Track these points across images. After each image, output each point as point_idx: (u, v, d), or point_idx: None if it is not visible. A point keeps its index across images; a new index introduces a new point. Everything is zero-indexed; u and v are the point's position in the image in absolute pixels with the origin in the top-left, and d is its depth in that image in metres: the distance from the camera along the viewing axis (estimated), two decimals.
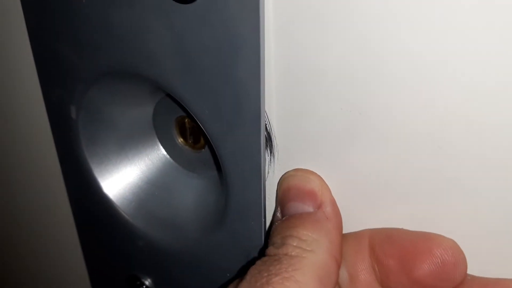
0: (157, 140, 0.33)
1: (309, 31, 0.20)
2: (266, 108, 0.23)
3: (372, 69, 0.19)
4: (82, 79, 0.28)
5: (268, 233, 0.24)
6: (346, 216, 0.22)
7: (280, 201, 0.23)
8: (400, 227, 0.22)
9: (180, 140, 0.32)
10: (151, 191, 0.32)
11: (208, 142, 0.31)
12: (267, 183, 0.25)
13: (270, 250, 0.21)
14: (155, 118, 0.32)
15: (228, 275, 0.29)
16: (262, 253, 0.25)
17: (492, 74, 0.17)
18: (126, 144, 0.32)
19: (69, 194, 0.35)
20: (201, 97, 0.24)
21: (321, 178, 0.22)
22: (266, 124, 0.23)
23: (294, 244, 0.20)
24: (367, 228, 0.22)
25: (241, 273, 0.24)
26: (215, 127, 0.24)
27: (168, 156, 0.33)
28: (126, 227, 0.32)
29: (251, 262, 0.21)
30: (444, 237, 0.20)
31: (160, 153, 0.33)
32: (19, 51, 0.31)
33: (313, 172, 0.23)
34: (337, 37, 0.19)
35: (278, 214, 0.23)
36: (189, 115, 0.30)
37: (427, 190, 0.20)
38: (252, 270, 0.20)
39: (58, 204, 0.38)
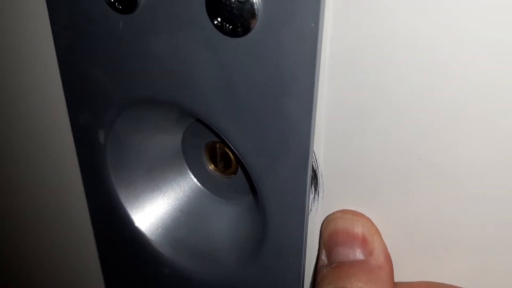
0: (186, 165, 0.32)
1: (366, 71, 0.19)
2: (314, 146, 0.22)
3: (433, 112, 0.18)
4: (114, 104, 0.27)
5: (313, 278, 0.23)
6: (396, 264, 0.21)
7: (327, 245, 0.22)
8: (455, 284, 0.21)
9: (211, 166, 0.31)
10: (180, 218, 0.31)
11: (241, 168, 0.30)
12: (309, 221, 0.24)
13: None
14: (184, 144, 0.31)
15: None
16: None
17: None
18: (154, 170, 0.31)
19: (92, 218, 0.34)
20: (245, 131, 0.23)
21: (371, 221, 0.21)
22: (313, 163, 0.22)
23: None
24: (418, 280, 0.21)
25: None
26: (258, 161, 0.23)
27: (198, 183, 0.32)
28: (152, 255, 0.31)
29: None
30: None
31: (189, 179, 0.32)
32: (47, 72, 0.30)
33: (362, 214, 0.22)
34: (394, 78, 0.18)
35: (324, 258, 0.22)
36: (222, 141, 0.29)
37: (490, 252, 0.19)
38: None
39: (81, 228, 0.37)
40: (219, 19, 0.20)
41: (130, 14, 0.23)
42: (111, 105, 0.27)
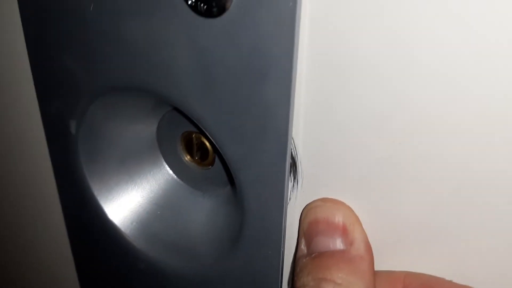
0: (162, 157, 0.31)
1: (347, 53, 0.18)
2: (293, 133, 0.21)
3: (415, 97, 0.18)
4: (86, 92, 0.26)
5: (292, 268, 0.23)
6: (377, 254, 0.21)
7: (306, 234, 0.21)
8: (436, 274, 0.20)
9: (187, 157, 0.30)
10: (155, 211, 0.30)
11: (219, 158, 0.29)
12: (288, 210, 0.23)
13: None
14: (159, 134, 0.30)
15: None
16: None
17: None
18: (128, 161, 0.30)
19: (64, 211, 0.33)
20: (222, 119, 0.22)
21: (351, 210, 0.21)
22: (292, 150, 0.21)
23: None
24: (398, 269, 0.21)
25: None
26: (236, 150, 0.22)
27: (173, 174, 0.31)
28: (127, 249, 0.30)
29: None
30: None
31: (164, 170, 0.31)
32: (15, 59, 0.29)
33: (343, 203, 0.21)
34: (377, 60, 0.18)
35: (303, 248, 0.21)
36: (200, 131, 0.28)
37: (473, 242, 0.19)
38: None
39: (53, 221, 0.36)
40: None
41: None
42: (82, 93, 0.26)
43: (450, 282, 0.20)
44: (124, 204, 0.30)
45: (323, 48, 0.19)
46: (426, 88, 0.17)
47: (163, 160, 0.31)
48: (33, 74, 0.28)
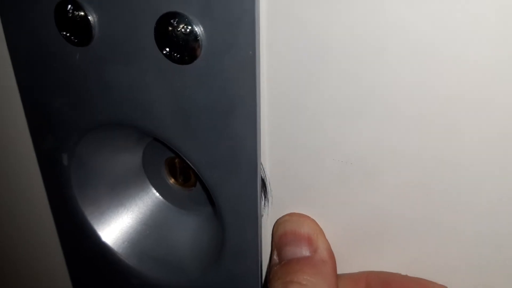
0: (148, 181, 0.34)
1: (301, 93, 0.21)
2: (262, 158, 0.24)
3: (357, 127, 0.21)
4: (76, 129, 0.29)
5: (266, 276, 0.26)
6: (339, 258, 0.24)
7: (277, 245, 0.24)
8: (394, 271, 0.23)
9: (171, 180, 0.33)
10: (144, 231, 0.33)
11: (199, 181, 0.32)
12: (262, 224, 0.26)
13: None
14: (144, 160, 0.33)
15: None
16: None
17: None
18: (117, 187, 0.33)
19: (61, 238, 0.36)
20: (198, 148, 0.25)
21: (315, 222, 0.24)
22: (261, 173, 0.24)
23: None
24: (360, 270, 0.24)
25: None
26: (212, 175, 0.25)
27: (159, 196, 0.34)
28: (120, 267, 0.33)
29: None
30: (438, 285, 0.22)
31: (151, 193, 0.34)
32: (9, 103, 0.32)
33: (308, 216, 0.24)
34: (328, 95, 0.21)
35: (275, 258, 0.24)
36: (179, 156, 0.31)
37: (420, 237, 0.22)
38: None
39: (49, 247, 0.38)
40: (167, 49, 0.22)
41: (86, 47, 0.25)
42: (73, 130, 0.29)
43: (406, 276, 0.23)
44: (115, 226, 0.33)
45: (280, 88, 0.22)
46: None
47: (149, 183, 0.34)
48: (25, 113, 0.31)
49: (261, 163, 0.24)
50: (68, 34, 0.25)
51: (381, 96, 0.20)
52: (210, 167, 0.25)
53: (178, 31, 0.22)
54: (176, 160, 0.32)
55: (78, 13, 0.24)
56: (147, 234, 0.33)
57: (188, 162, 0.26)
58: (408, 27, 0.18)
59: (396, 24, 0.18)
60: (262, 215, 0.26)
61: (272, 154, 0.24)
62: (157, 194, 0.34)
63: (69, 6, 0.24)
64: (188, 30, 0.21)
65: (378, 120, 0.20)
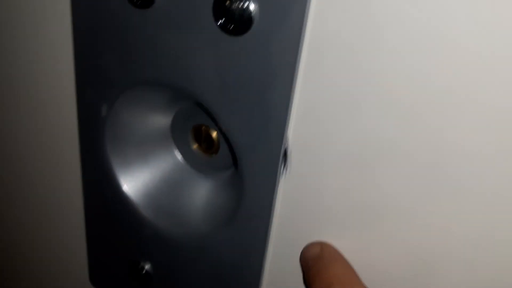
0: (173, 143, 0.37)
1: (336, 79, 0.24)
2: (288, 132, 0.27)
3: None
4: (119, 83, 0.32)
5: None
6: None
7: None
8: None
9: (195, 145, 0.36)
10: (163, 187, 0.36)
11: (222, 149, 0.35)
12: (278, 189, 0.29)
13: None
14: (173, 124, 0.36)
15: (225, 271, 0.33)
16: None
17: None
18: (144, 144, 0.36)
19: (84, 183, 0.38)
20: (234, 115, 0.28)
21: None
22: (286, 143, 0.28)
23: None
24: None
25: None
26: (242, 140, 0.28)
27: (181, 158, 0.37)
28: (136, 217, 0.36)
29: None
30: None
31: (174, 155, 0.37)
32: (60, 51, 0.35)
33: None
34: (362, 88, 0.24)
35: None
36: (209, 125, 0.34)
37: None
38: None
39: (70, 189, 0.41)
40: (222, 20, 0.25)
41: (145, 9, 0.28)
42: (118, 84, 0.32)
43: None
44: (137, 179, 0.36)
45: (316, 72, 0.25)
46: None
47: (174, 145, 0.37)
48: (75, 62, 0.34)
49: (287, 136, 0.27)
50: None
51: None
52: (241, 133, 0.28)
53: (235, 6, 0.25)
54: (203, 128, 0.35)
55: None
56: (165, 191, 0.36)
57: (221, 125, 0.29)
58: (402, 16, 0.21)
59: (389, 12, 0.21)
60: (279, 181, 0.29)
61: (295, 132, 0.27)
62: (180, 156, 0.37)
63: None
64: (245, 5, 0.24)
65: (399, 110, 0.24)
